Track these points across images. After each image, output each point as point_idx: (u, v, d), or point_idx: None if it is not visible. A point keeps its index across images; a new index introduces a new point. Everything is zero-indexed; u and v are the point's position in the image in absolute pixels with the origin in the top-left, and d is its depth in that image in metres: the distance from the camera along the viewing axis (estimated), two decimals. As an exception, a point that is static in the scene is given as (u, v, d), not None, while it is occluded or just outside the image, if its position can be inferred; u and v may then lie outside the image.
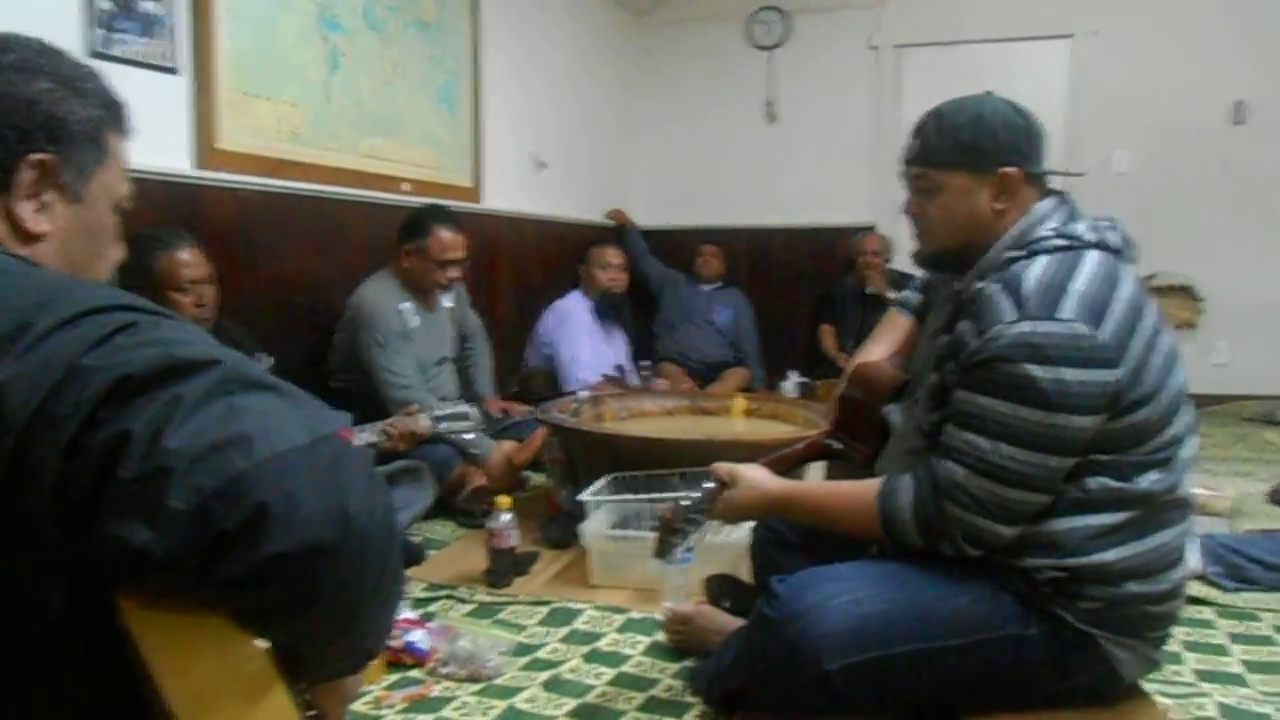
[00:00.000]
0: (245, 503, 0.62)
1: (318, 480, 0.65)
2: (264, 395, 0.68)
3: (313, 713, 0.90)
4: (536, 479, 3.44)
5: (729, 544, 2.38)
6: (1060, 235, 1.50)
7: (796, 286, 5.71)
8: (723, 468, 1.66)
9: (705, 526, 1.63)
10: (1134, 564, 1.48)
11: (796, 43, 5.75)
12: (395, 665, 1.97)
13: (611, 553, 2.45)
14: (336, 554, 0.65)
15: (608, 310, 4.55)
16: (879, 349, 2.05)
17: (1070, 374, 1.38)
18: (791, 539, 1.93)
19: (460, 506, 3.02)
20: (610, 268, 4.55)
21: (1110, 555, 1.47)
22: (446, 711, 1.79)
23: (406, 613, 2.08)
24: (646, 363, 4.70)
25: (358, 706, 1.80)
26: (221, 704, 0.67)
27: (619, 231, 5.52)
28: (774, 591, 1.54)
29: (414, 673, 1.95)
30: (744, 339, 5.13)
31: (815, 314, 5.40)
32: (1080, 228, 1.51)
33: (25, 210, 0.83)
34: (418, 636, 2.00)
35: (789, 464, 1.78)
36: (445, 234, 3.14)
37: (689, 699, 1.84)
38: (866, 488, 1.57)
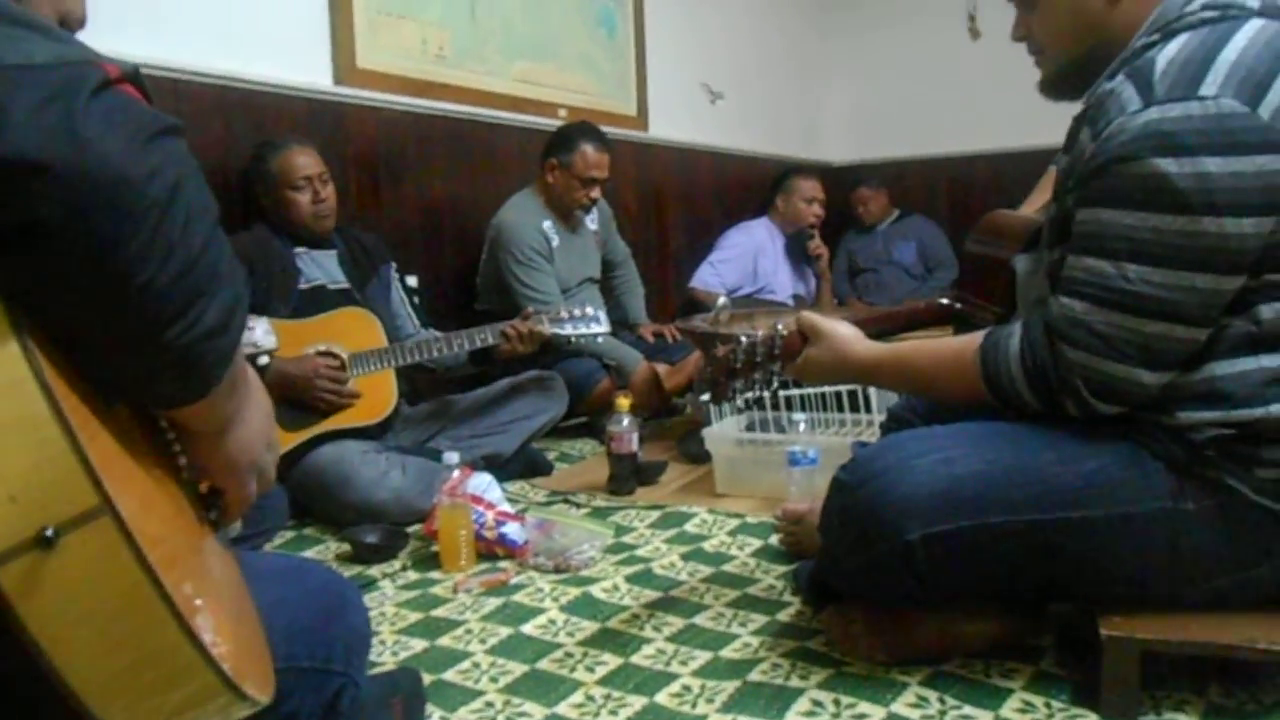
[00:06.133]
0: None
1: (45, 97, 0.57)
2: (15, 27, 0.61)
3: (208, 487, 0.81)
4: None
5: (861, 446, 2.12)
6: (1209, 7, 1.16)
7: (1005, 216, 5.19)
8: (806, 319, 1.42)
9: (774, 378, 1.39)
10: (1335, 419, 1.12)
11: (1002, -54, 5.20)
12: (487, 557, 1.89)
13: (738, 459, 2.26)
14: (58, 177, 0.56)
15: (799, 248, 4.27)
16: (1030, 207, 1.75)
17: (1215, 164, 1.05)
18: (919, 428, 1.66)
19: (601, 425, 2.91)
20: (816, 202, 4.20)
21: (1298, 406, 1.12)
22: (519, 596, 1.67)
23: (504, 506, 1.98)
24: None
25: (435, 590, 1.73)
26: None
27: None
28: (853, 455, 1.30)
29: (503, 563, 1.86)
30: (942, 268, 4.64)
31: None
32: None
33: None
34: (512, 529, 1.90)
35: (893, 325, 1.51)
36: (591, 151, 3.04)
37: (787, 599, 1.63)
38: (968, 341, 1.29)
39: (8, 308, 0.59)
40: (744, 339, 1.33)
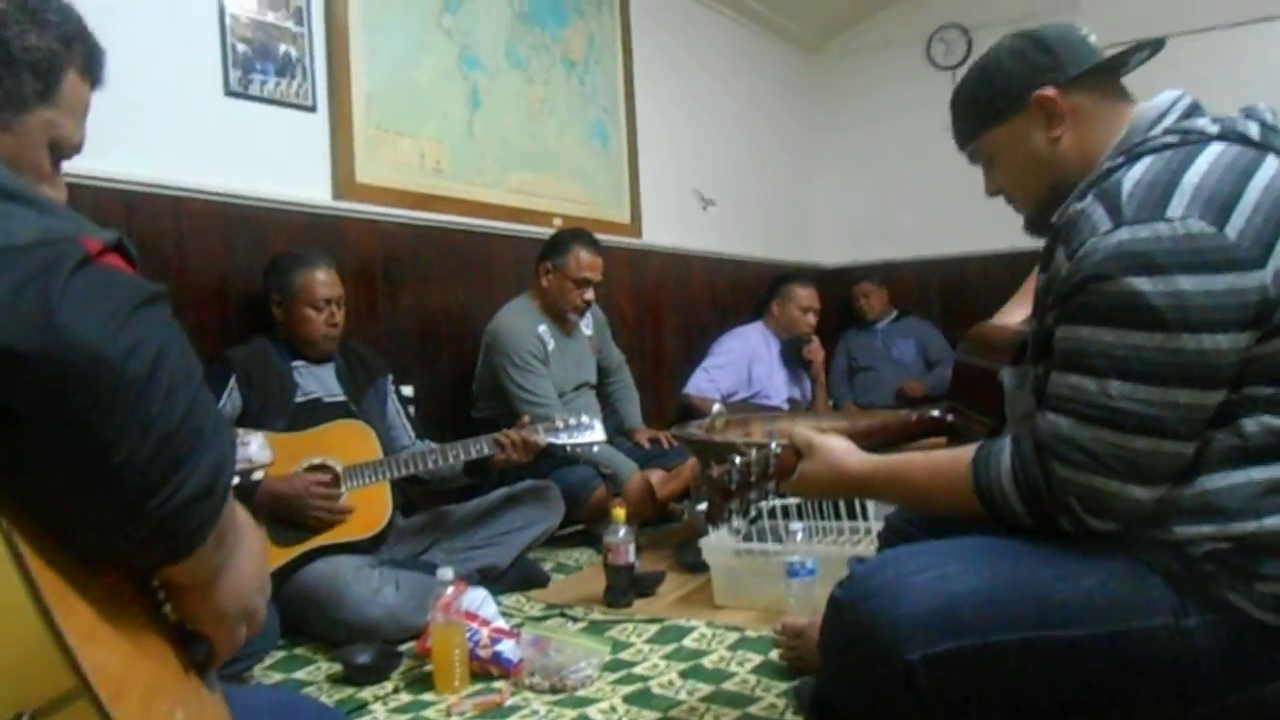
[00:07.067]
0: None
1: (22, 280, 0.57)
2: (4, 201, 0.62)
3: (197, 640, 0.79)
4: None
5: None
6: (1171, 132, 1.21)
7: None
8: (800, 435, 1.43)
9: (771, 495, 1.38)
10: (1331, 532, 1.12)
11: (980, 58, 5.39)
12: (481, 676, 1.85)
13: (737, 569, 2.23)
14: (33, 364, 0.56)
15: (795, 354, 4.31)
16: (1016, 313, 1.78)
17: (1189, 283, 1.08)
18: (917, 539, 1.65)
19: (598, 533, 2.88)
20: (811, 311, 4.27)
21: (1292, 519, 1.12)
22: (514, 719, 1.63)
23: (499, 622, 1.95)
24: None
25: (427, 714, 1.68)
26: None
27: None
28: (849, 572, 1.28)
29: (497, 683, 1.81)
30: (943, 363, 4.66)
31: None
32: (1201, 121, 1.22)
33: None
34: (507, 647, 1.86)
35: (888, 437, 1.52)
36: (584, 254, 3.11)
37: (789, 718, 1.59)
38: (959, 455, 1.29)
39: None
40: (737, 459, 1.33)
